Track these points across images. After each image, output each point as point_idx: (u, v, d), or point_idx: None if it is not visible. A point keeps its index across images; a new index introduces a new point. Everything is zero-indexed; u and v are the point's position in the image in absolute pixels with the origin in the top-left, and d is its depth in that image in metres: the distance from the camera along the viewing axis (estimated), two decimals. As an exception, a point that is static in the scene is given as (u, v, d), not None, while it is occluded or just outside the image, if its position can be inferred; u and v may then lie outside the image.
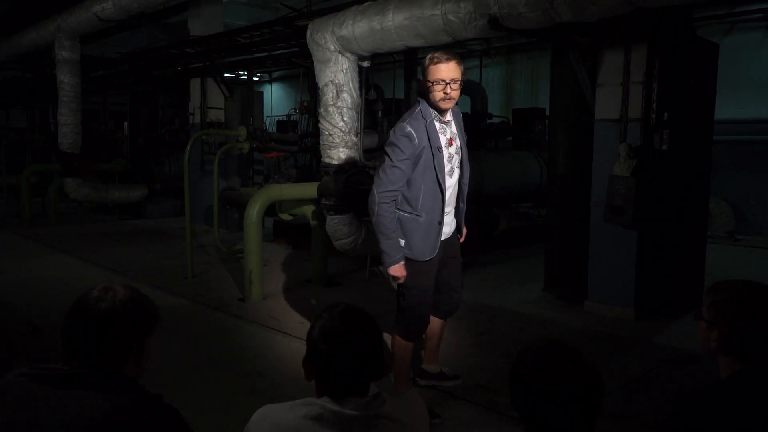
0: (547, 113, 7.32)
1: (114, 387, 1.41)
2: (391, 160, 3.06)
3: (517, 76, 13.58)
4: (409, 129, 3.06)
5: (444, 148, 3.15)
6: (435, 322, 3.56)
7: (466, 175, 3.35)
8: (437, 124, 3.14)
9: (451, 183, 3.24)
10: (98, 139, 14.29)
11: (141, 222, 11.24)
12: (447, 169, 3.19)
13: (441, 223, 3.22)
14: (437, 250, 3.23)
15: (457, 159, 3.24)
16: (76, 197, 10.54)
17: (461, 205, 3.40)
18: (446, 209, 3.25)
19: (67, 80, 9.60)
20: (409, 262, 3.20)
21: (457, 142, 3.24)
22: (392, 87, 8.66)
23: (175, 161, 12.20)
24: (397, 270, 3.15)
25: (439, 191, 3.16)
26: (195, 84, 10.52)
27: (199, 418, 2.91)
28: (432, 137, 3.09)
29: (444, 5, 4.77)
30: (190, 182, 6.65)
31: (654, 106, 4.88)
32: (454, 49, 5.38)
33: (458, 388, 3.65)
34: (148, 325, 1.56)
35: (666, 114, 4.93)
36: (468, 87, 10.04)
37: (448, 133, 3.19)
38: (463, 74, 3.08)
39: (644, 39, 4.85)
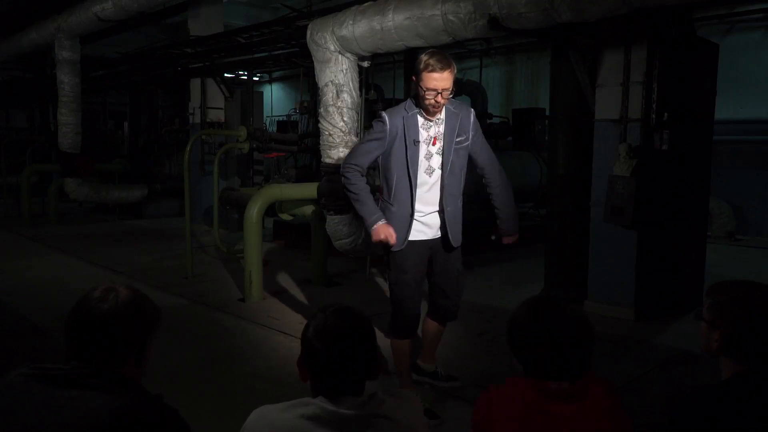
0: (547, 113, 7.32)
1: (114, 387, 1.41)
2: (362, 138, 3.15)
3: (517, 76, 13.59)
4: (384, 115, 3.18)
5: (422, 143, 3.16)
6: (431, 324, 3.56)
7: (453, 179, 3.23)
8: (420, 119, 3.16)
9: (427, 181, 3.20)
10: (98, 139, 14.30)
11: (141, 222, 11.25)
12: (424, 166, 3.18)
13: (412, 215, 3.21)
14: (406, 242, 3.23)
15: (437, 159, 3.19)
16: (76, 197, 10.55)
17: (449, 209, 3.25)
18: (422, 207, 3.22)
19: (67, 80, 9.60)
20: (390, 254, 3.29)
21: (441, 143, 3.18)
22: (392, 87, 8.67)
23: (175, 161, 12.21)
24: (382, 230, 3.15)
25: (408, 183, 3.17)
26: (195, 84, 10.52)
27: (199, 419, 2.91)
28: (409, 129, 3.13)
29: (444, 5, 4.77)
30: (190, 182, 6.65)
31: (654, 106, 4.88)
32: (453, 50, 5.39)
33: (458, 388, 3.65)
34: (149, 327, 1.56)
35: (666, 114, 4.93)
36: (468, 87, 10.05)
37: (432, 131, 3.18)
38: (455, 81, 3.08)
39: (644, 39, 4.85)
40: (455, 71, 3.06)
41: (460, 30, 4.82)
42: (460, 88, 9.72)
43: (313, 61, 5.91)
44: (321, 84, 5.79)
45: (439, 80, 2.99)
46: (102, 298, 1.49)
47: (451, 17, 4.76)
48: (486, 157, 3.33)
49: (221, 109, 10.44)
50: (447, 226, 3.26)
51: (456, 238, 3.31)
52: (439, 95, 3.02)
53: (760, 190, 9.76)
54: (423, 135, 3.16)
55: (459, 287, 3.47)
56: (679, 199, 5.33)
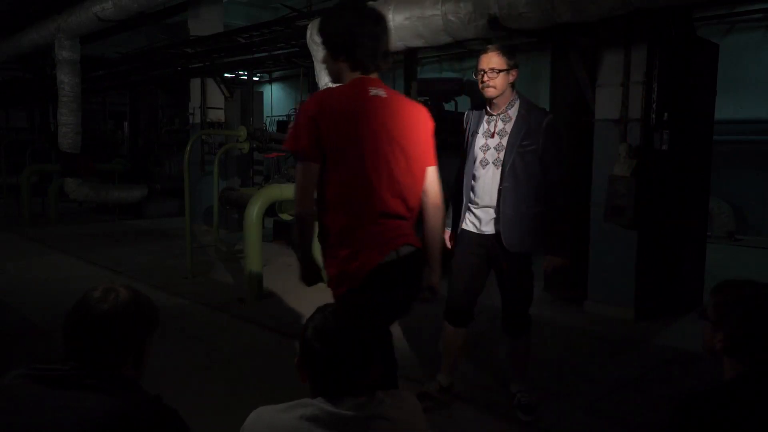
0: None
1: (113, 388, 1.41)
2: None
3: (517, 76, 13.57)
4: (467, 112, 3.43)
5: (480, 135, 3.24)
6: (452, 333, 3.46)
7: (514, 181, 3.10)
8: (485, 115, 3.28)
9: (482, 173, 3.19)
10: (98, 139, 14.30)
11: (141, 222, 11.25)
12: (480, 158, 3.21)
13: (466, 204, 3.26)
14: (459, 230, 3.32)
15: (493, 154, 3.16)
16: (76, 197, 10.55)
17: (508, 212, 3.11)
18: (475, 198, 3.21)
19: (67, 80, 9.60)
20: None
21: (500, 140, 3.15)
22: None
23: (175, 161, 12.21)
24: (446, 236, 3.37)
25: (470, 174, 3.25)
26: (195, 84, 10.52)
27: (199, 419, 2.91)
28: (474, 122, 3.31)
29: (444, 5, 4.77)
30: (190, 182, 6.65)
31: (654, 106, 4.88)
32: (453, 50, 5.40)
33: (458, 388, 3.64)
34: (148, 327, 1.55)
35: (666, 114, 4.93)
36: (468, 87, 10.04)
37: (493, 126, 3.22)
38: (507, 63, 3.16)
39: (644, 39, 4.84)
40: (506, 57, 3.16)
41: (460, 30, 4.82)
42: (460, 88, 9.71)
43: (313, 61, 5.91)
44: (321, 84, 5.79)
45: (484, 60, 3.16)
46: (102, 298, 1.49)
47: (451, 17, 4.76)
48: (549, 172, 3.16)
49: (221, 109, 10.44)
50: (501, 226, 3.14)
51: (511, 242, 3.13)
52: (485, 75, 3.14)
53: (760, 190, 9.76)
54: (483, 127, 3.25)
55: (517, 297, 3.31)
56: (679, 199, 5.33)
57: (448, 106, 8.67)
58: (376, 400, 1.49)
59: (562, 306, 5.48)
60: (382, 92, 2.30)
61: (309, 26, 5.90)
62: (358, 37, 2.23)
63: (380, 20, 2.31)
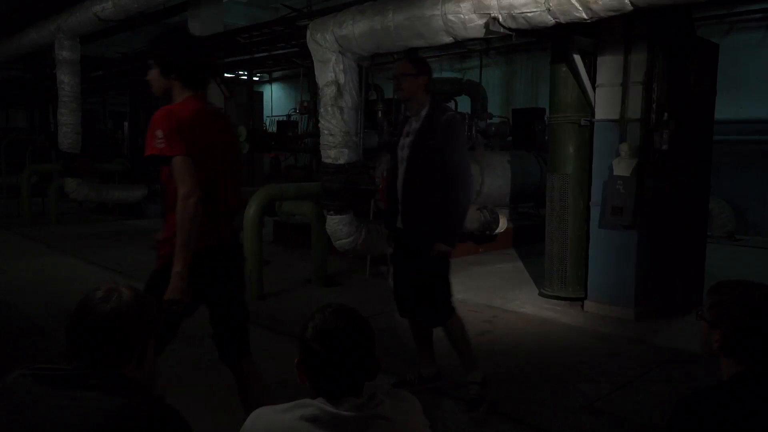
0: (547, 113, 7.32)
1: (115, 388, 1.41)
2: None
3: (517, 76, 13.58)
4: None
5: (402, 137, 3.49)
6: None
7: (415, 175, 3.34)
8: (406, 119, 3.53)
9: (401, 171, 3.44)
10: (98, 139, 14.30)
11: (141, 222, 11.24)
12: (400, 157, 3.47)
13: (397, 200, 3.49)
14: (391, 226, 3.58)
15: (407, 152, 3.41)
16: (76, 197, 10.54)
17: (408, 203, 3.39)
18: (399, 197, 3.46)
19: (67, 80, 9.59)
20: None
21: (412, 138, 3.40)
22: (392, 87, 8.66)
23: (175, 161, 12.18)
24: None
25: (395, 174, 3.50)
26: (195, 84, 10.50)
27: (199, 420, 2.91)
28: (402, 128, 3.54)
29: (444, 5, 4.77)
30: (190, 182, 6.64)
31: (654, 106, 4.88)
32: (453, 50, 5.41)
33: (458, 389, 3.65)
34: (151, 327, 1.55)
35: (666, 114, 4.93)
36: (468, 87, 10.05)
37: (410, 127, 3.46)
38: (414, 69, 3.36)
39: (644, 39, 4.85)
40: (414, 65, 3.38)
41: (460, 30, 4.82)
42: (460, 88, 9.72)
43: (313, 61, 5.91)
44: (321, 84, 5.79)
45: (395, 67, 3.45)
46: (105, 298, 1.49)
47: (451, 17, 4.76)
48: (445, 165, 3.30)
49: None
50: (401, 215, 3.43)
51: (410, 228, 3.40)
52: (397, 79, 3.40)
53: (760, 190, 9.75)
54: (405, 129, 3.48)
55: (426, 284, 3.41)
56: (679, 199, 5.33)
57: (448, 106, 8.68)
58: (376, 400, 1.49)
59: (562, 306, 5.48)
60: (213, 108, 2.75)
61: (309, 26, 5.90)
62: (189, 59, 2.60)
63: (204, 47, 2.87)
